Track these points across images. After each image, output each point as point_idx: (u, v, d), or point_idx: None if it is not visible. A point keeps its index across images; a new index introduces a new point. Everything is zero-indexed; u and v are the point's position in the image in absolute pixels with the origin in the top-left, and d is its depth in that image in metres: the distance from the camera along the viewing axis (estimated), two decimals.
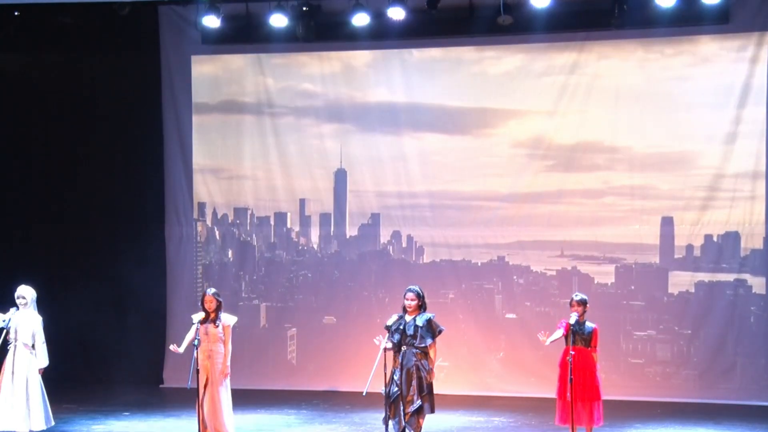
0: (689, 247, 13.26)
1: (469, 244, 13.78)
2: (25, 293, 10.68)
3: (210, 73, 14.22)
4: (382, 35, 13.19)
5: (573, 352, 9.90)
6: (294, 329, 14.18)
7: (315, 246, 14.23)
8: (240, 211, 14.33)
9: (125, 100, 14.14)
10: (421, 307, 10.05)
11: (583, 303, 10.27)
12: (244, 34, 13.49)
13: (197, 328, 10.27)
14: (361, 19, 12.86)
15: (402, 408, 9.85)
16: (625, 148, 13.35)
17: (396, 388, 9.86)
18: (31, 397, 10.54)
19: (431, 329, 9.99)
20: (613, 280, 13.51)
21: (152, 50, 14.06)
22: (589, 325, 10.22)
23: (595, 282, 13.52)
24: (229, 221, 14.34)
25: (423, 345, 9.90)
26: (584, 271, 13.56)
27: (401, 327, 9.96)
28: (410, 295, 10.05)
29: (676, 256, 13.29)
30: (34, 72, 14.33)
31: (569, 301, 10.37)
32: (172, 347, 10.40)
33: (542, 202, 13.56)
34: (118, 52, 14.05)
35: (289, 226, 14.25)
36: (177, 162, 14.24)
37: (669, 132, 13.20)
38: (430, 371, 9.90)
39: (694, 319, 13.24)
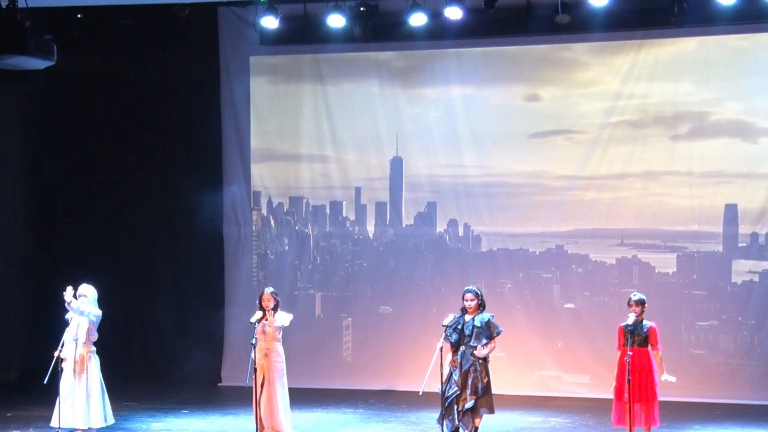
0: (754, 236, 12.96)
1: (527, 233, 13.61)
2: (86, 291, 10.77)
3: (268, 73, 14.15)
4: (439, 35, 13.01)
5: (631, 353, 9.78)
6: (350, 319, 14.16)
7: (371, 235, 14.17)
8: (295, 200, 14.31)
9: (185, 100, 14.15)
10: (480, 306, 10.06)
11: (641, 303, 10.16)
12: (302, 34, 13.40)
13: (255, 328, 10.33)
14: (418, 19, 12.70)
15: (456, 407, 9.84)
16: (686, 138, 13.05)
17: (455, 388, 9.87)
18: (91, 395, 10.64)
19: (489, 330, 9.96)
20: (674, 269, 13.25)
21: (211, 51, 14.06)
22: (645, 323, 10.10)
23: (656, 271, 13.29)
24: (285, 210, 14.33)
25: (478, 345, 9.84)
26: (645, 260, 13.33)
27: (459, 327, 9.95)
28: (469, 295, 10.10)
29: (740, 244, 12.99)
30: (95, 73, 14.37)
31: (627, 301, 10.24)
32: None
33: (602, 189, 13.33)
34: (178, 54, 14.05)
35: (344, 215, 14.21)
36: (235, 162, 14.23)
37: (731, 123, 12.89)
38: (485, 372, 9.87)
39: (758, 310, 12.95)
